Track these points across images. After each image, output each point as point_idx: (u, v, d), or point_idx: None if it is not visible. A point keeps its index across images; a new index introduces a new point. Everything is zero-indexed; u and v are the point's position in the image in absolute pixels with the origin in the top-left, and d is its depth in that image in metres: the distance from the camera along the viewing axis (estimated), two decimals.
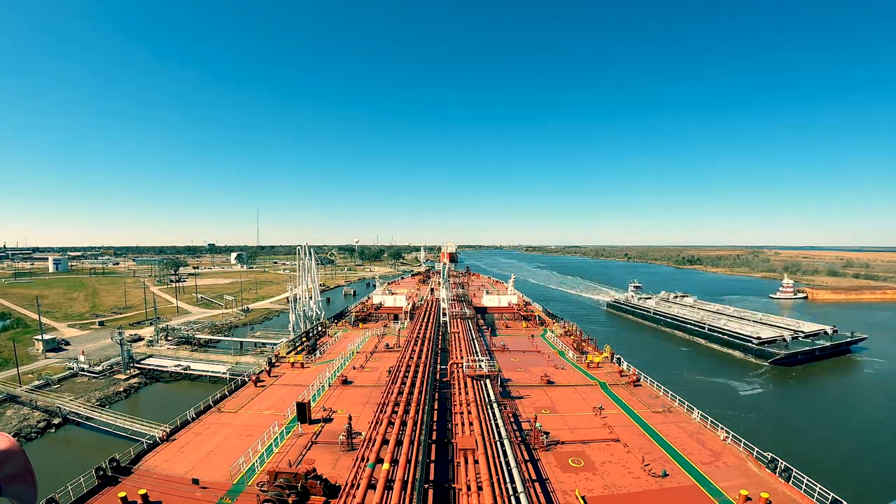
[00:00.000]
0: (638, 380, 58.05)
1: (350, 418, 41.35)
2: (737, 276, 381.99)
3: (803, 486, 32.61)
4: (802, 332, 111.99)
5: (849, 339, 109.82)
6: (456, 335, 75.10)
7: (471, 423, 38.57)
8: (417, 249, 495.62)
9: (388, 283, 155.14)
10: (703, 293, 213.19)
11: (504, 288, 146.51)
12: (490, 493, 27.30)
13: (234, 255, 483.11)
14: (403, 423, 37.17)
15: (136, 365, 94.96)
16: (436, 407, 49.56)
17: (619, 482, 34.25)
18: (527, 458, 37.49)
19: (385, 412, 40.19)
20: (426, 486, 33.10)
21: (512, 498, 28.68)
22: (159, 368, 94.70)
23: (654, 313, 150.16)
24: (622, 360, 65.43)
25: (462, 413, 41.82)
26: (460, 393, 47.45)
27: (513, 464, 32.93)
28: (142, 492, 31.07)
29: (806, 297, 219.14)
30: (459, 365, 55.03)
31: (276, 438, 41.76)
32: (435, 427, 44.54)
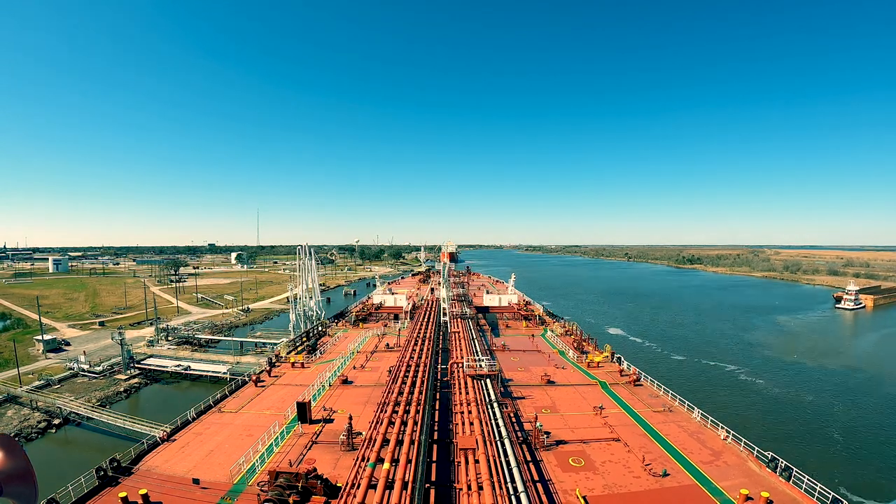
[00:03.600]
0: (638, 379, 58.01)
1: (350, 418, 41.29)
2: (737, 276, 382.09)
3: (804, 486, 32.58)
4: None
5: None
6: (456, 335, 75.05)
7: (471, 423, 38.57)
8: (417, 249, 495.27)
9: (389, 283, 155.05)
10: (744, 311, 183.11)
11: (504, 287, 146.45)
12: (490, 492, 27.29)
13: (234, 255, 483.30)
14: (404, 423, 37.16)
15: (136, 365, 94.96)
16: (436, 406, 49.55)
17: (620, 482, 34.21)
18: (527, 457, 37.44)
19: (385, 412, 40.19)
20: (427, 485, 33.06)
21: (512, 497, 28.69)
22: (160, 369, 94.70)
23: None
24: (622, 359, 65.38)
25: (462, 413, 41.81)
26: (461, 392, 47.43)
27: (513, 463, 32.93)
28: (142, 492, 31.03)
29: (864, 306, 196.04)
30: (460, 364, 55.00)
31: (277, 438, 41.73)
32: (436, 427, 44.51)
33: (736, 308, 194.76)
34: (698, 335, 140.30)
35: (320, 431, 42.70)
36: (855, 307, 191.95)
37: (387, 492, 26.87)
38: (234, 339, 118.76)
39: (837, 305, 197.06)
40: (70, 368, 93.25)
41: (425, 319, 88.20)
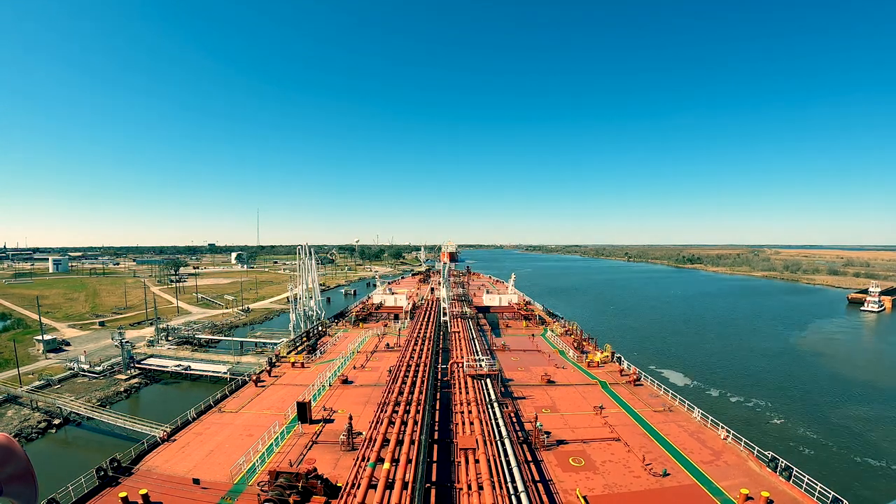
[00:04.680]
0: (638, 379, 58.04)
1: (350, 418, 41.31)
2: (737, 276, 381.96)
3: (804, 485, 32.58)
4: None
5: None
6: (456, 335, 75.09)
7: (471, 423, 38.61)
8: (417, 249, 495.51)
9: (389, 283, 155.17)
10: (756, 318, 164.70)
11: (504, 287, 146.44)
12: (491, 492, 27.31)
13: (234, 255, 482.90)
14: (404, 423, 37.16)
15: (136, 365, 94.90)
16: (437, 406, 49.55)
17: (620, 481, 34.22)
18: (528, 457, 37.44)
19: (385, 412, 40.19)
20: (427, 485, 33.06)
21: (513, 497, 28.70)
22: (160, 369, 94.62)
23: None
24: (622, 359, 65.44)
25: (463, 412, 41.85)
26: (461, 392, 47.46)
27: (513, 463, 32.93)
28: (142, 492, 31.04)
29: (884, 309, 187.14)
30: (460, 364, 55.03)
31: (277, 438, 41.74)
32: (436, 427, 44.51)
33: (745, 313, 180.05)
34: (719, 352, 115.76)
35: (320, 431, 42.70)
36: (878, 310, 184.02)
37: (387, 492, 26.85)
38: (234, 339, 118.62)
39: (863, 308, 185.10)
40: (70, 368, 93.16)
41: (425, 319, 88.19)
